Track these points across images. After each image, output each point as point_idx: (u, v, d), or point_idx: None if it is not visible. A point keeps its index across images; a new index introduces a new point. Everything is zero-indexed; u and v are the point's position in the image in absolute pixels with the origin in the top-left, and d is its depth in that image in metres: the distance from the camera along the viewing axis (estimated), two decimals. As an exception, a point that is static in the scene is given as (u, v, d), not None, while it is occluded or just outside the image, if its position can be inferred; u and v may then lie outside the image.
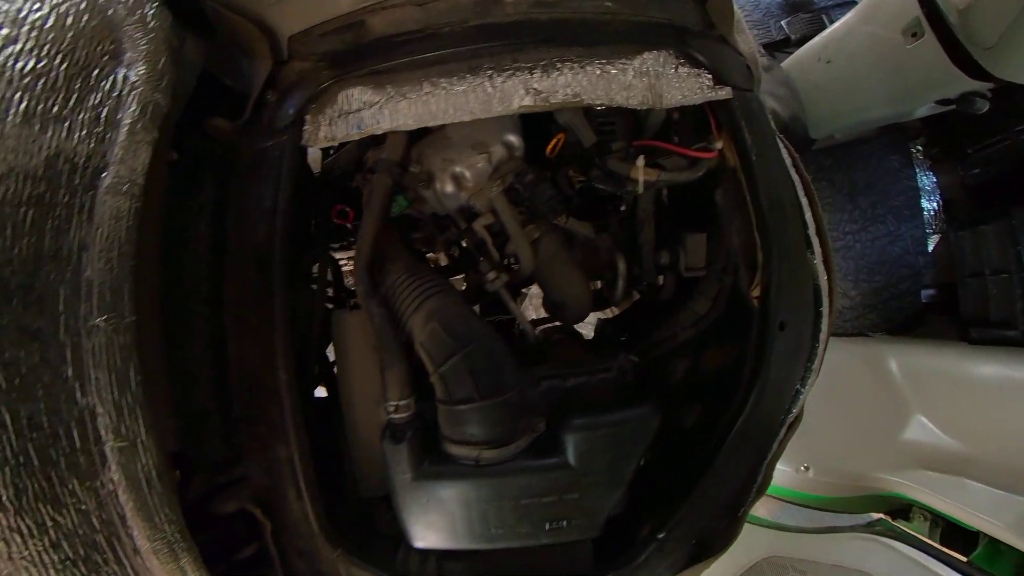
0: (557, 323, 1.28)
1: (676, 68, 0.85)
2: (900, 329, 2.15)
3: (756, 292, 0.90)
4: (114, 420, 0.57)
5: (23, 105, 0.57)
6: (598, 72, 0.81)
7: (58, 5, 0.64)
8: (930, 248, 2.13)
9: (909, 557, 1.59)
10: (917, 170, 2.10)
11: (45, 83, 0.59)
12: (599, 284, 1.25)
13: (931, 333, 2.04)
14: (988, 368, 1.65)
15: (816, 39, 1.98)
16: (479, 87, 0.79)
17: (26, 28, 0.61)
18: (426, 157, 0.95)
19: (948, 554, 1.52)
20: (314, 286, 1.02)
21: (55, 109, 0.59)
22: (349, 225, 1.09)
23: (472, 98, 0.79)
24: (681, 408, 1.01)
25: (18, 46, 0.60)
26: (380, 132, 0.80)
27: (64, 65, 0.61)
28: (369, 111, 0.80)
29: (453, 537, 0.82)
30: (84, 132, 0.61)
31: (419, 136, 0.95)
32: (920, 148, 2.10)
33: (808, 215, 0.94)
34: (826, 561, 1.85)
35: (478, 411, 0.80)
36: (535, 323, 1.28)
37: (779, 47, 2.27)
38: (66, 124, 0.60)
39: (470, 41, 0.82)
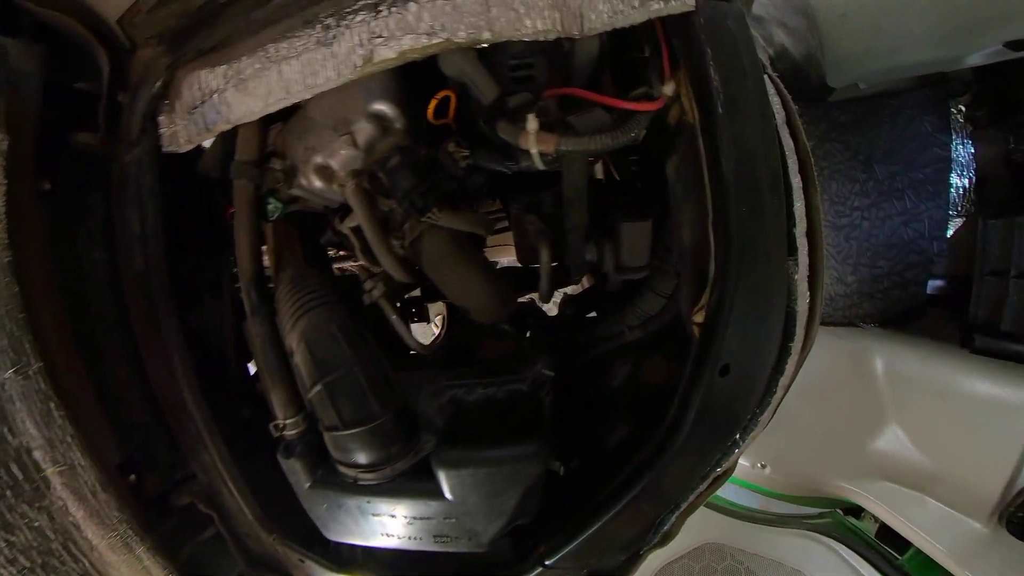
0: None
1: None
2: (895, 322, 1.89)
3: (699, 318, 0.64)
4: (49, 451, 0.64)
5: None
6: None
7: None
8: (949, 233, 1.81)
9: (849, 563, 1.61)
10: (954, 137, 1.73)
11: None
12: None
13: (928, 330, 1.79)
14: (984, 385, 1.48)
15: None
16: (314, 48, 0.61)
17: None
18: (288, 146, 0.83)
19: (886, 560, 1.56)
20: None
21: None
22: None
23: (305, 65, 0.62)
24: (608, 422, 0.93)
25: None
26: (229, 127, 0.67)
27: None
28: (211, 102, 0.67)
29: (356, 536, 0.84)
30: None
31: (284, 118, 0.82)
32: (963, 109, 1.71)
33: (799, 205, 0.64)
34: (767, 556, 1.87)
35: (345, 439, 0.79)
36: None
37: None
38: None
39: None
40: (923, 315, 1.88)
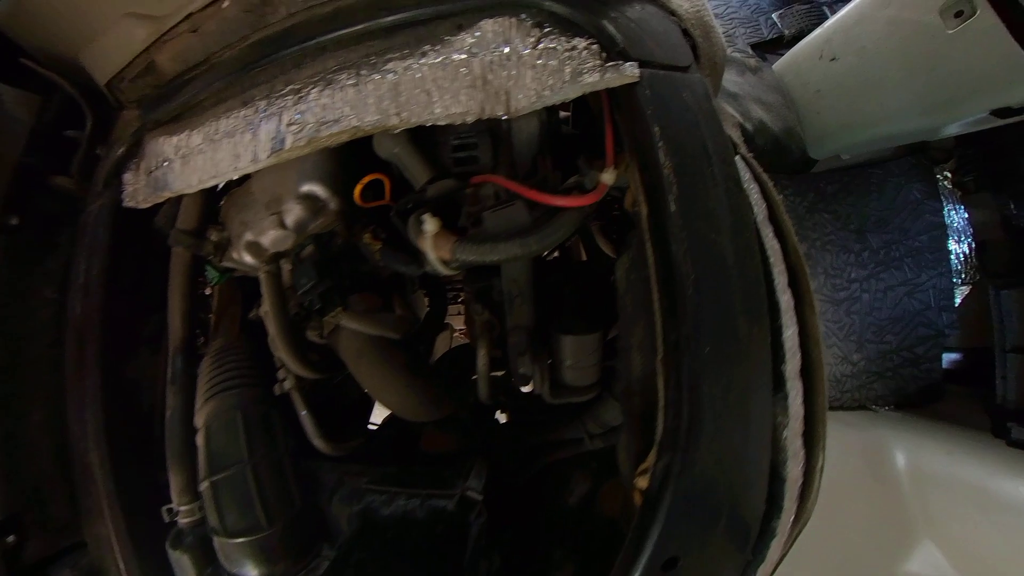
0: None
1: (535, 41, 0.47)
2: (912, 402, 1.70)
3: (642, 483, 0.46)
4: None
5: None
6: (390, 80, 0.51)
7: None
8: (957, 302, 1.70)
9: None
10: (945, 203, 1.68)
11: None
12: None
13: (950, 413, 1.60)
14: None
15: (816, 32, 1.52)
16: (243, 131, 0.61)
17: None
18: (228, 218, 0.82)
19: None
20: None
21: None
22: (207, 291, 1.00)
23: (234, 147, 0.62)
24: (552, 558, 0.80)
25: None
26: (174, 196, 0.69)
27: None
28: (163, 169, 0.70)
29: None
30: None
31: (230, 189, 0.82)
32: (948, 175, 1.67)
33: (789, 334, 0.48)
34: None
35: (228, 546, 0.72)
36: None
37: (771, 47, 1.82)
38: None
39: (247, 64, 0.64)
40: (942, 395, 1.70)
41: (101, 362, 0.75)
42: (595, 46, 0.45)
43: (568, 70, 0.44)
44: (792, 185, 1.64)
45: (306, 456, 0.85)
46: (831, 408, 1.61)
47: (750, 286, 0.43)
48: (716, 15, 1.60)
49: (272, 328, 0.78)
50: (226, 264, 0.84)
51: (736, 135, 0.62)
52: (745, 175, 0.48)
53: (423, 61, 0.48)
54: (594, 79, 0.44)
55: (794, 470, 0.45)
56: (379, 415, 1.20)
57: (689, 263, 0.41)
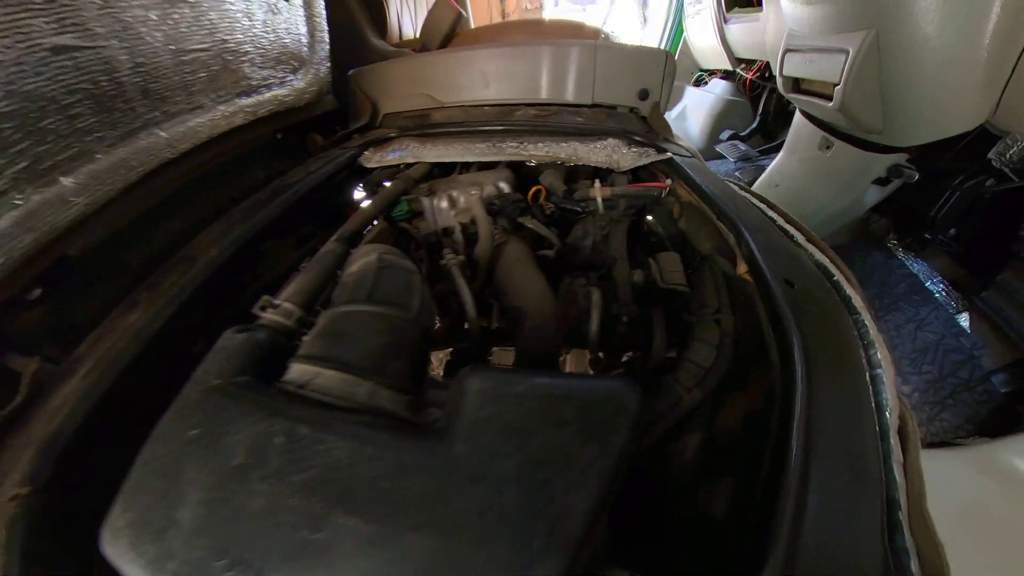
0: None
1: (628, 147, 1.15)
2: (994, 428, 1.80)
3: (742, 268, 0.83)
4: None
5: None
6: (570, 145, 1.14)
7: None
8: (967, 326, 1.97)
9: None
10: (904, 259, 2.16)
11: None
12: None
13: None
14: None
15: (764, 174, 2.41)
16: (487, 145, 1.14)
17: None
18: (436, 185, 1.19)
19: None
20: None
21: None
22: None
23: (479, 148, 1.12)
24: (703, 492, 0.70)
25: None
26: (409, 161, 1.15)
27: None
28: (409, 150, 1.17)
29: None
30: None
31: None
32: (895, 242, 2.20)
33: (772, 212, 1.01)
34: None
35: (353, 316, 0.63)
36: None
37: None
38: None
39: (490, 129, 1.23)
40: (1019, 418, 1.76)
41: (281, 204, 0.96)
42: (652, 149, 1.17)
43: (645, 155, 1.13)
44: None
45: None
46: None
47: (744, 200, 1.06)
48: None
49: (481, 227, 1.06)
50: (417, 207, 1.15)
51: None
52: (733, 185, 1.15)
53: (586, 143, 1.12)
54: (655, 158, 1.15)
55: (817, 254, 0.85)
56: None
57: (718, 197, 0.97)
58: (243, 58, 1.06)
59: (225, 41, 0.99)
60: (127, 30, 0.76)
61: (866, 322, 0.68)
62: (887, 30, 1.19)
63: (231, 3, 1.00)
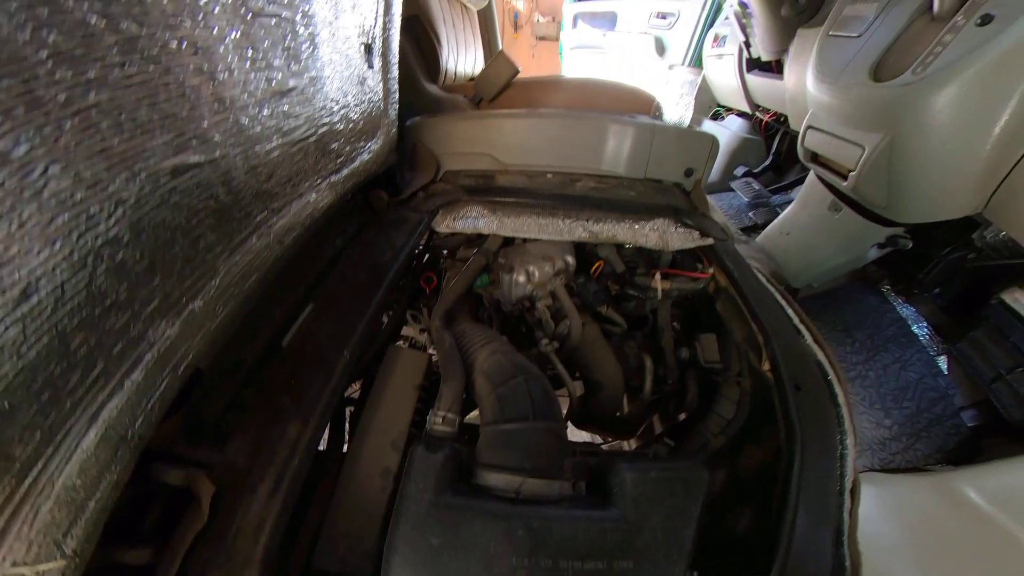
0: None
1: (676, 228, 1.32)
2: (959, 457, 2.07)
3: (766, 366, 1.08)
4: None
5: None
6: (627, 225, 1.28)
7: None
8: (945, 368, 2.22)
9: None
10: (895, 304, 2.40)
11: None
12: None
13: (994, 458, 1.86)
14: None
15: (776, 221, 2.64)
16: (555, 223, 1.21)
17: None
18: (510, 256, 1.29)
19: None
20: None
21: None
22: (428, 290, 1.35)
23: (550, 227, 1.20)
24: (729, 516, 0.96)
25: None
26: (485, 232, 1.21)
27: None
28: (483, 219, 1.21)
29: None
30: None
31: (506, 245, 1.33)
32: (888, 287, 2.45)
33: (789, 310, 1.21)
34: None
35: (529, 431, 0.76)
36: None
37: (750, 231, 2.99)
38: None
39: (553, 200, 1.32)
40: (981, 448, 2.03)
41: (384, 301, 0.96)
42: (697, 232, 1.33)
43: (690, 238, 1.32)
44: (789, 305, 2.48)
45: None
46: (891, 470, 2.00)
47: (769, 295, 1.23)
48: (717, 212, 2.79)
49: (568, 309, 1.20)
50: (502, 277, 1.24)
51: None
52: (756, 272, 1.36)
53: (637, 224, 1.26)
54: (699, 242, 1.34)
55: (820, 356, 1.06)
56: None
57: (748, 291, 1.16)
58: (337, 137, 0.99)
59: (324, 124, 0.92)
60: (242, 132, 0.66)
61: (844, 415, 0.95)
62: (901, 137, 1.39)
63: (329, 83, 0.91)
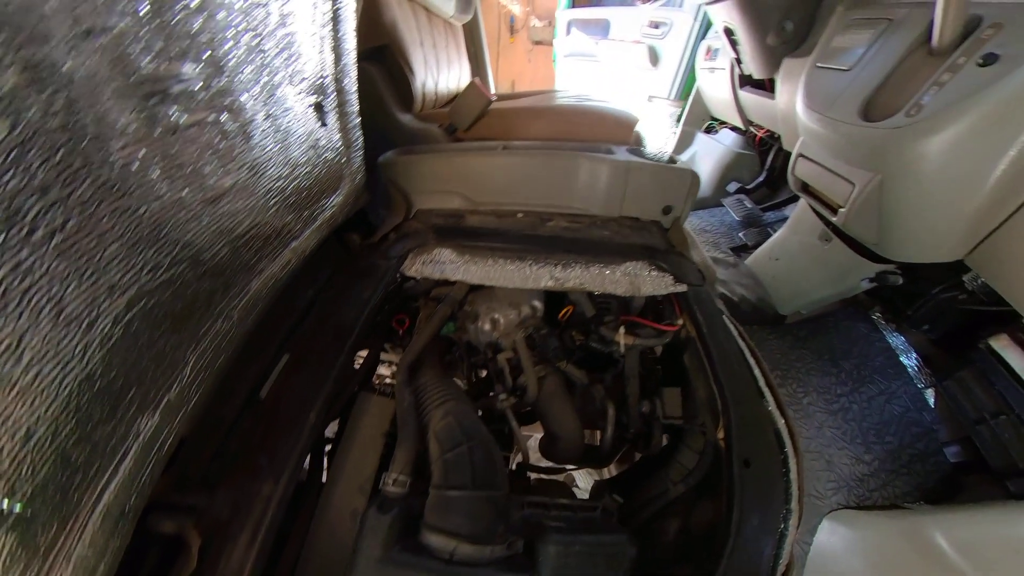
0: (551, 476, 1.45)
1: (649, 271, 1.27)
2: (938, 495, 2.03)
3: (720, 435, 1.07)
4: None
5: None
6: (597, 271, 1.24)
7: None
8: (932, 402, 2.18)
9: None
10: (885, 333, 2.35)
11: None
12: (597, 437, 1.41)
13: (974, 497, 1.90)
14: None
15: (766, 244, 2.57)
16: (522, 269, 1.20)
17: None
18: (477, 303, 1.29)
19: None
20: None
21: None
22: (400, 331, 1.38)
23: (516, 275, 1.19)
24: (672, 570, 1.03)
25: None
26: (452, 279, 1.21)
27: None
28: (451, 265, 1.22)
29: None
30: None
31: (475, 289, 1.32)
32: (879, 315, 2.40)
33: (756, 371, 1.16)
34: None
35: (468, 500, 0.83)
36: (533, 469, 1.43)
37: (740, 251, 2.92)
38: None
39: (522, 243, 1.29)
40: (961, 485, 1.98)
41: (350, 349, 1.00)
42: (671, 277, 1.28)
43: (663, 284, 1.28)
44: (775, 333, 2.39)
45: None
46: (868, 507, 1.96)
47: (738, 353, 1.15)
48: (705, 230, 2.76)
49: (525, 366, 1.21)
50: (468, 325, 1.26)
51: (722, 305, 1.39)
52: (728, 323, 1.27)
53: (608, 269, 1.22)
54: (672, 288, 1.29)
55: (780, 424, 1.02)
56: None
57: (715, 348, 1.12)
58: (292, 208, 0.93)
59: (274, 203, 0.85)
60: (186, 248, 0.65)
61: (794, 492, 0.97)
62: (890, 179, 1.32)
63: (273, 162, 0.82)
